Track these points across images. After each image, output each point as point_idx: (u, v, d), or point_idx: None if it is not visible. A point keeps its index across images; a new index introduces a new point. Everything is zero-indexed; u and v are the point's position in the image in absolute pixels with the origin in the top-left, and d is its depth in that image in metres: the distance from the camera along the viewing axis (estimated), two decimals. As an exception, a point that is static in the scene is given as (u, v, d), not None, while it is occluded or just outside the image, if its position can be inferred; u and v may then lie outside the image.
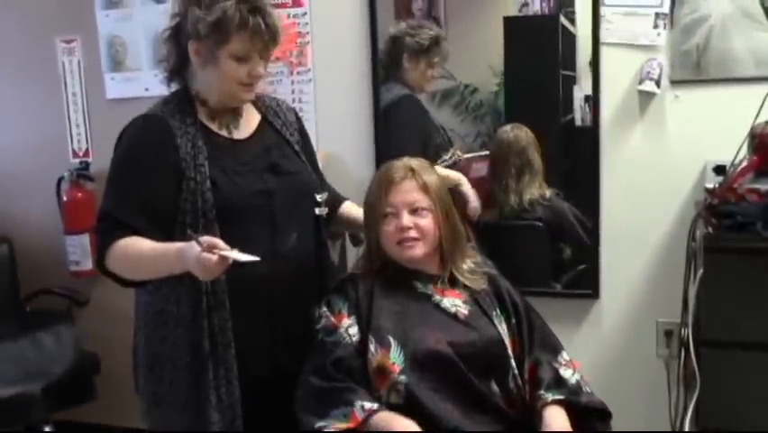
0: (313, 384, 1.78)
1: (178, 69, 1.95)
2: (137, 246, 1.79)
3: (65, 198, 3.26)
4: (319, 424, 1.72)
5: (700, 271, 1.96)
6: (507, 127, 2.74)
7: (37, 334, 3.01)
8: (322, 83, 2.87)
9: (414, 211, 1.86)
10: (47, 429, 2.98)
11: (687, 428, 2.07)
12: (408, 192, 1.86)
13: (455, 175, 2.62)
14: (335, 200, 2.16)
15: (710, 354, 1.97)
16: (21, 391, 2.77)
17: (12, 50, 3.36)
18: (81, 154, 3.32)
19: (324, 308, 1.88)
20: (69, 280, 3.26)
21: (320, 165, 2.18)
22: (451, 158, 2.72)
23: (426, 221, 1.86)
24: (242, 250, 1.73)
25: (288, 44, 2.86)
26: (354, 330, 1.82)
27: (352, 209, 2.16)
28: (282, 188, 1.93)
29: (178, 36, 1.91)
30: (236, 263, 1.67)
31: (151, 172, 1.85)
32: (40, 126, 3.38)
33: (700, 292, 1.98)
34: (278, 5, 2.79)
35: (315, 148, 2.19)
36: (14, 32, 3.35)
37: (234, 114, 1.97)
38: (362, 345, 1.80)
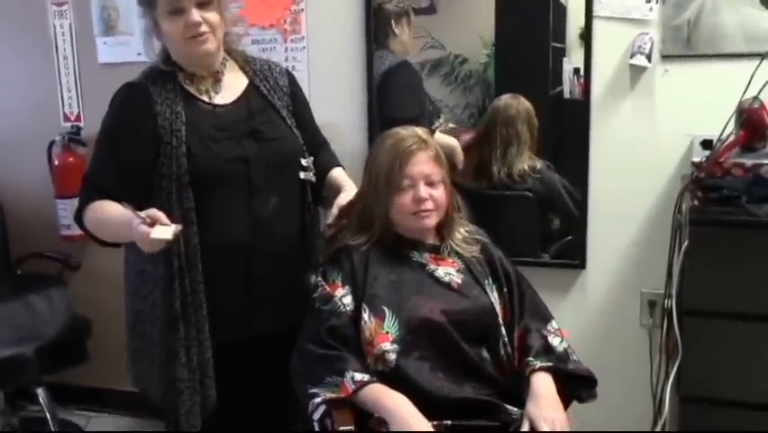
0: (309, 351, 1.81)
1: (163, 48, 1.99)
2: (105, 211, 1.88)
3: (56, 163, 3.23)
4: (312, 391, 1.75)
5: (685, 244, 1.99)
6: (505, 96, 2.72)
7: (29, 297, 3.01)
8: (315, 51, 2.85)
9: (430, 183, 1.88)
10: (39, 391, 3.01)
11: (668, 396, 2.12)
12: (425, 163, 1.87)
13: (451, 141, 2.68)
14: (328, 165, 2.15)
15: (692, 324, 2.00)
16: (14, 354, 2.77)
17: (2, 12, 3.30)
18: (73, 118, 3.29)
19: (320, 278, 1.91)
20: (61, 244, 3.25)
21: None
22: (440, 125, 2.75)
23: (440, 192, 1.89)
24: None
25: (282, 11, 2.86)
26: (348, 300, 1.85)
27: (340, 177, 2.13)
28: (261, 154, 1.95)
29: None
30: (183, 238, 1.78)
31: (129, 141, 1.91)
32: (31, 90, 3.34)
33: (685, 264, 2.01)
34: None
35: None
36: (5, -7, 3.31)
37: (215, 78, 1.99)
38: (357, 313, 1.82)
